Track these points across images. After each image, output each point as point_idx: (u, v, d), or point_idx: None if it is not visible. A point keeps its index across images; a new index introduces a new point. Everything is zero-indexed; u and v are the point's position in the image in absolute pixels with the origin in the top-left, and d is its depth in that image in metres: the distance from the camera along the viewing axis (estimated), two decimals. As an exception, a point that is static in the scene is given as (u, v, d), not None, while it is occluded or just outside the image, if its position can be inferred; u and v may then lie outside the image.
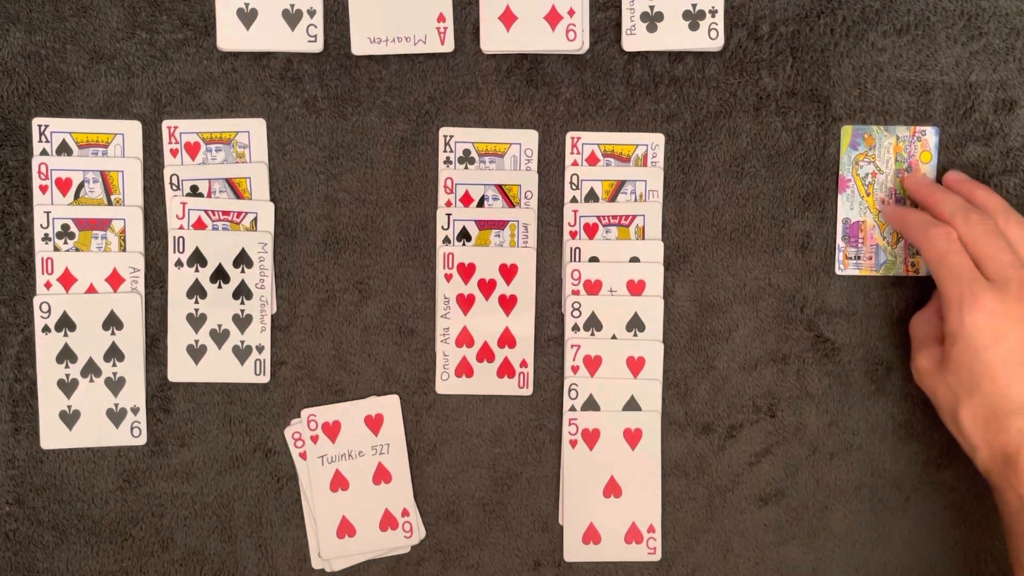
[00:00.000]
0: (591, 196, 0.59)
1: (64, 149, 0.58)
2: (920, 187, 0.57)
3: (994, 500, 0.53)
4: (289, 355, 0.60)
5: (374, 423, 0.59)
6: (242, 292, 0.59)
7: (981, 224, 0.53)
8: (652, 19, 0.58)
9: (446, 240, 0.59)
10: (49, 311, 0.58)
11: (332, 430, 0.59)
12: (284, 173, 0.59)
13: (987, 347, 0.51)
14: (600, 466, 0.59)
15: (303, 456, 0.59)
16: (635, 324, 0.59)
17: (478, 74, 0.59)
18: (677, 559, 0.61)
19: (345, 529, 0.59)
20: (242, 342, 0.59)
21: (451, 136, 0.59)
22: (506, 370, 0.60)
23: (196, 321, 0.59)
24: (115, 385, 0.59)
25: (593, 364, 0.59)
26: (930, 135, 0.58)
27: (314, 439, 0.59)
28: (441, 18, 0.58)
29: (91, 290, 0.59)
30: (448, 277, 0.59)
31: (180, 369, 0.59)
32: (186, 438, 0.60)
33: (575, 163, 0.59)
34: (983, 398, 0.52)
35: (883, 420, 0.60)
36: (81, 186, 0.58)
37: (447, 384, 0.60)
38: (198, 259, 0.59)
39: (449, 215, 0.59)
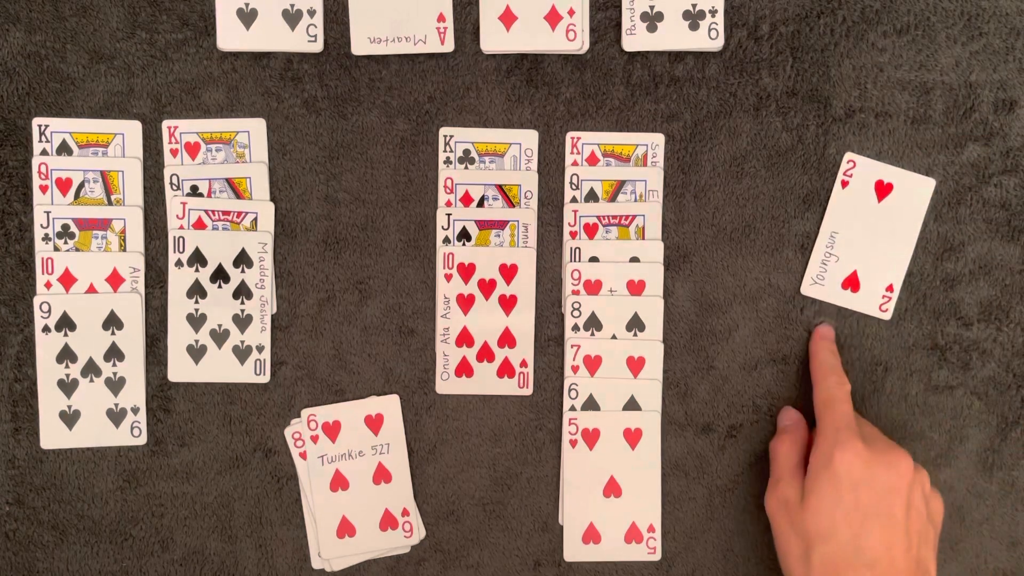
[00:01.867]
0: (591, 196, 0.59)
1: (64, 149, 0.58)
2: (822, 345, 0.59)
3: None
4: (289, 355, 0.60)
5: (374, 423, 0.60)
6: (242, 292, 0.59)
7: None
8: (652, 19, 0.58)
9: (446, 240, 0.59)
10: (49, 311, 0.58)
11: (332, 430, 0.59)
12: (284, 173, 0.59)
13: (850, 489, 0.52)
14: (600, 466, 0.59)
15: (303, 456, 0.59)
16: (635, 324, 0.59)
17: (478, 74, 0.59)
18: (677, 559, 0.61)
19: (345, 529, 0.59)
20: (242, 342, 0.59)
21: (451, 136, 0.59)
22: (506, 370, 0.60)
23: (196, 321, 0.59)
24: (115, 385, 0.59)
25: (593, 364, 0.59)
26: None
27: (314, 439, 0.59)
28: (441, 18, 0.58)
29: (91, 290, 0.59)
30: (448, 277, 0.59)
31: (180, 369, 0.59)
32: (186, 438, 0.60)
33: (575, 163, 0.59)
34: (838, 546, 0.51)
35: (883, 420, 0.60)
36: (81, 186, 0.58)
37: (447, 384, 0.60)
38: (198, 259, 0.59)
39: (449, 215, 0.59)
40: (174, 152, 0.59)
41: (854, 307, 0.59)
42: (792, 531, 0.53)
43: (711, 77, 0.59)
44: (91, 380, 0.59)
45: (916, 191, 0.59)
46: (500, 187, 0.59)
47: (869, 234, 0.59)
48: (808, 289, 0.59)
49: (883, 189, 0.59)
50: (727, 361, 0.60)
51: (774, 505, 0.55)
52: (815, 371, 0.58)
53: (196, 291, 0.59)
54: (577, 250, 0.59)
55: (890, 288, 0.59)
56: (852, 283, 0.59)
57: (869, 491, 0.52)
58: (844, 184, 0.59)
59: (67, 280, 0.58)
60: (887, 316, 0.59)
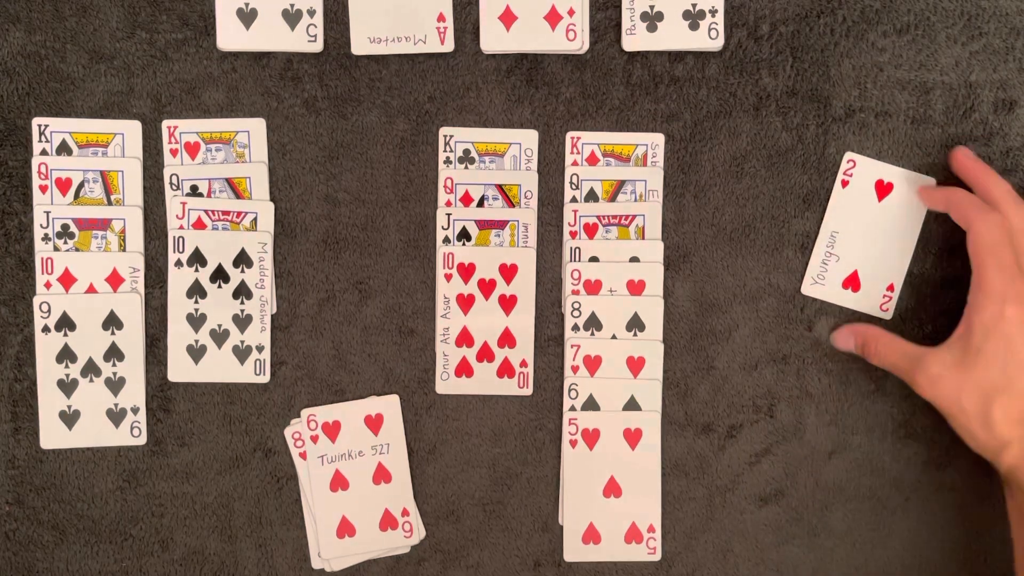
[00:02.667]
0: (591, 196, 0.59)
1: (64, 149, 0.58)
2: (972, 165, 0.56)
3: (1004, 497, 0.53)
4: (289, 355, 0.60)
5: (374, 423, 0.59)
6: (242, 292, 0.59)
7: None
8: (652, 19, 0.58)
9: (446, 240, 0.59)
10: (49, 311, 0.58)
11: (332, 430, 0.59)
12: (284, 173, 0.59)
13: (1022, 349, 0.51)
14: (600, 466, 0.59)
15: (303, 456, 0.59)
16: (635, 324, 0.59)
17: (478, 74, 0.59)
18: (677, 559, 0.61)
19: (345, 529, 0.59)
20: (242, 342, 0.59)
21: (451, 136, 0.59)
22: (506, 370, 0.60)
23: (196, 321, 0.59)
24: (115, 385, 0.59)
25: (593, 364, 0.59)
26: None
27: (314, 439, 0.59)
28: (441, 18, 0.58)
29: (91, 290, 0.59)
30: (448, 277, 0.59)
31: (180, 369, 0.59)
32: (186, 438, 0.60)
33: (575, 163, 0.59)
34: (1021, 393, 0.51)
35: (883, 420, 0.60)
36: (81, 186, 0.58)
37: (447, 384, 0.60)
38: (198, 259, 0.59)
39: (449, 215, 0.59)
40: (174, 152, 0.59)
41: (855, 307, 0.59)
42: (963, 394, 0.52)
43: (711, 77, 0.59)
44: (91, 380, 0.59)
45: (916, 190, 0.59)
46: (500, 187, 0.59)
47: (869, 233, 0.59)
48: (809, 289, 0.59)
49: (883, 189, 0.59)
50: (727, 361, 0.60)
51: (929, 381, 0.53)
52: (959, 212, 0.55)
53: (196, 291, 0.59)
54: (577, 250, 0.59)
55: (891, 287, 0.59)
56: (853, 282, 0.59)
57: None
58: (844, 184, 0.59)
59: (67, 280, 0.58)
60: (888, 315, 0.59)
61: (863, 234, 0.59)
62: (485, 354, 0.59)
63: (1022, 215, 0.53)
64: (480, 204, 0.59)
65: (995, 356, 0.51)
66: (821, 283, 0.59)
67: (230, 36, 0.58)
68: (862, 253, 0.59)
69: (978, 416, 0.52)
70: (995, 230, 0.52)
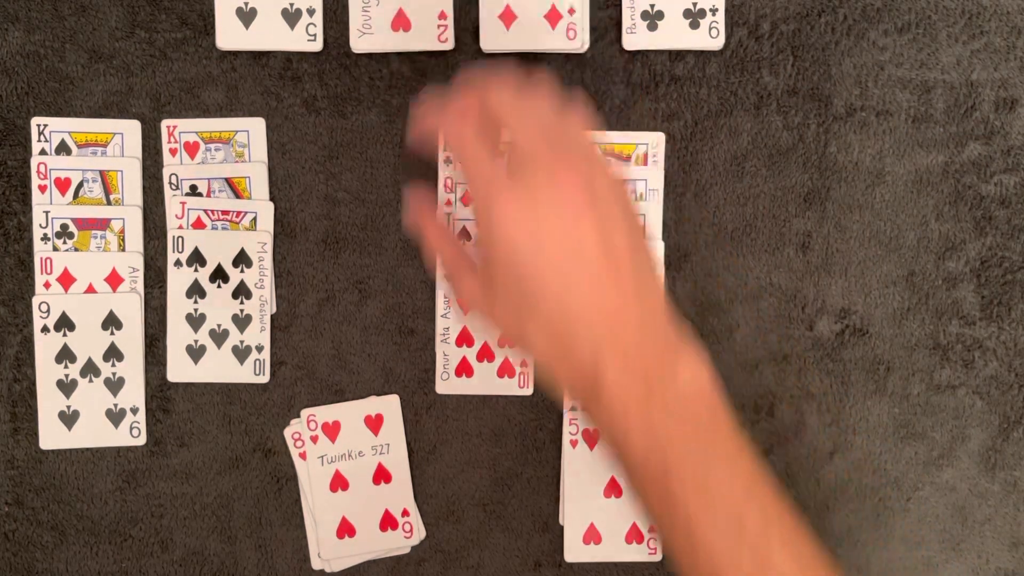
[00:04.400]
0: (591, 195, 0.59)
1: (63, 149, 0.58)
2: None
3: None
4: (289, 355, 0.60)
5: (374, 423, 0.59)
6: (242, 292, 0.59)
7: (506, 91, 0.43)
8: (652, 18, 0.58)
9: (446, 240, 0.59)
10: (48, 311, 0.58)
11: (332, 430, 0.59)
12: (284, 173, 0.59)
13: (528, 257, 0.41)
14: (600, 466, 0.59)
15: (303, 456, 0.59)
16: (635, 324, 0.59)
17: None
18: (677, 559, 0.60)
19: (345, 529, 0.59)
20: (242, 342, 0.59)
21: (451, 135, 0.59)
22: (506, 370, 0.59)
23: (196, 321, 0.59)
24: (114, 385, 0.59)
25: (593, 364, 0.59)
26: None
27: (314, 439, 0.59)
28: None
29: (90, 290, 0.58)
30: (448, 277, 0.59)
31: (180, 369, 0.59)
32: (186, 438, 0.60)
33: (575, 162, 0.59)
34: (545, 318, 0.41)
35: (883, 420, 0.60)
36: (80, 186, 0.58)
37: (447, 384, 0.60)
38: (197, 259, 0.59)
39: (449, 214, 0.59)
40: (173, 152, 0.59)
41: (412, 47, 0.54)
42: (502, 323, 0.43)
43: (711, 76, 0.59)
44: (90, 380, 0.59)
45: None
46: (500, 186, 0.59)
47: None
48: (357, 43, 0.53)
49: None
50: (727, 361, 0.60)
51: (466, 308, 0.46)
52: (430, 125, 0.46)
53: (195, 291, 0.59)
54: (577, 250, 0.59)
55: (442, 15, 0.53)
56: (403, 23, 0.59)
57: (551, 247, 0.41)
58: None
59: (66, 280, 0.58)
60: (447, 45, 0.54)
61: None
62: (485, 354, 0.59)
63: (495, 91, 0.44)
64: (480, 204, 0.59)
65: (507, 281, 0.42)
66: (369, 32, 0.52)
67: (229, 35, 0.58)
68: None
69: (522, 347, 0.44)
70: (456, 124, 0.44)
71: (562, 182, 0.41)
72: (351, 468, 0.59)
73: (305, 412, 0.59)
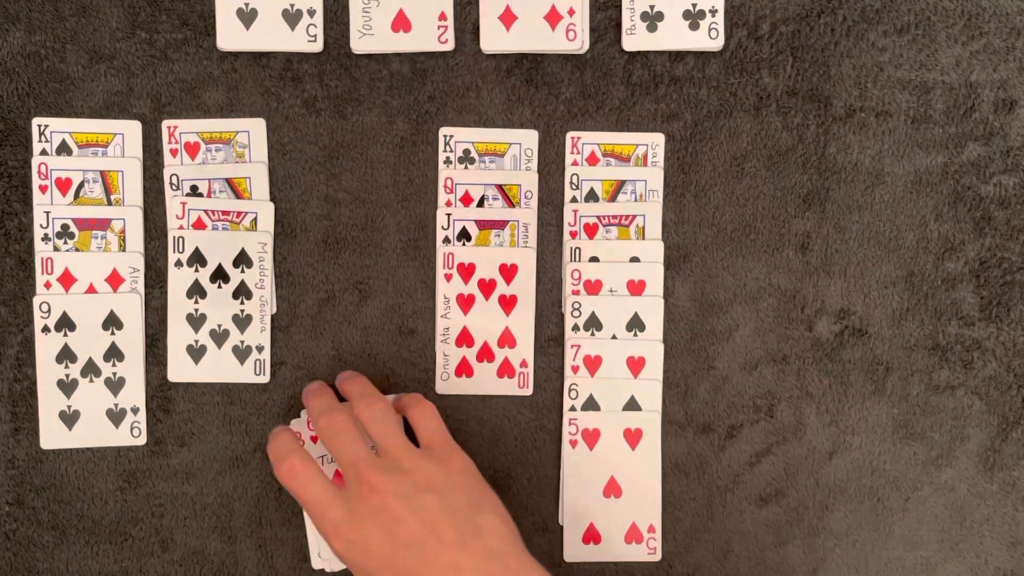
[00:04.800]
0: (591, 196, 0.59)
1: (64, 149, 0.58)
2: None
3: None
4: (289, 355, 0.60)
5: None
6: (242, 292, 0.59)
7: (324, 417, 0.53)
8: (652, 19, 0.58)
9: (446, 240, 0.59)
10: (49, 311, 0.58)
11: None
12: (284, 173, 0.59)
13: (360, 568, 0.50)
14: (600, 466, 0.59)
15: None
16: (635, 324, 0.59)
17: (478, 74, 0.59)
18: (677, 559, 0.61)
19: None
20: (242, 342, 0.59)
21: (451, 136, 0.59)
22: (506, 370, 0.60)
23: (196, 321, 0.59)
24: (115, 385, 0.59)
25: (593, 364, 0.59)
26: None
27: (314, 439, 0.59)
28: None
29: (91, 290, 0.58)
30: (448, 277, 0.59)
31: (180, 369, 0.59)
32: (186, 438, 0.60)
33: (575, 163, 0.59)
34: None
35: (883, 420, 0.60)
36: (81, 186, 0.58)
37: (447, 384, 0.60)
38: (198, 259, 0.59)
39: (449, 215, 0.59)
40: (174, 152, 0.59)
41: (412, 48, 0.59)
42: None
43: (711, 77, 0.59)
44: (91, 380, 0.59)
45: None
46: (500, 187, 0.59)
47: None
48: (357, 44, 0.55)
49: None
50: (727, 361, 0.60)
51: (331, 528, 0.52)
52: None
53: (196, 291, 0.59)
54: (577, 250, 0.59)
55: (443, 16, 0.55)
56: (403, 24, 0.59)
57: (372, 557, 0.49)
58: None
59: (67, 280, 0.58)
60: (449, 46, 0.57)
61: None
62: (485, 354, 0.59)
63: (317, 419, 0.54)
64: (480, 204, 0.59)
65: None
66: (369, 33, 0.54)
67: (230, 36, 0.58)
68: None
69: None
70: (282, 448, 0.53)
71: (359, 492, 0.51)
72: (351, 468, 0.59)
73: (305, 412, 0.59)
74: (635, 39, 0.58)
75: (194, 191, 0.59)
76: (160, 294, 0.59)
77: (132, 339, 0.59)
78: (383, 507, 0.49)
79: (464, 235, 0.59)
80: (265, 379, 0.59)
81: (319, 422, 0.54)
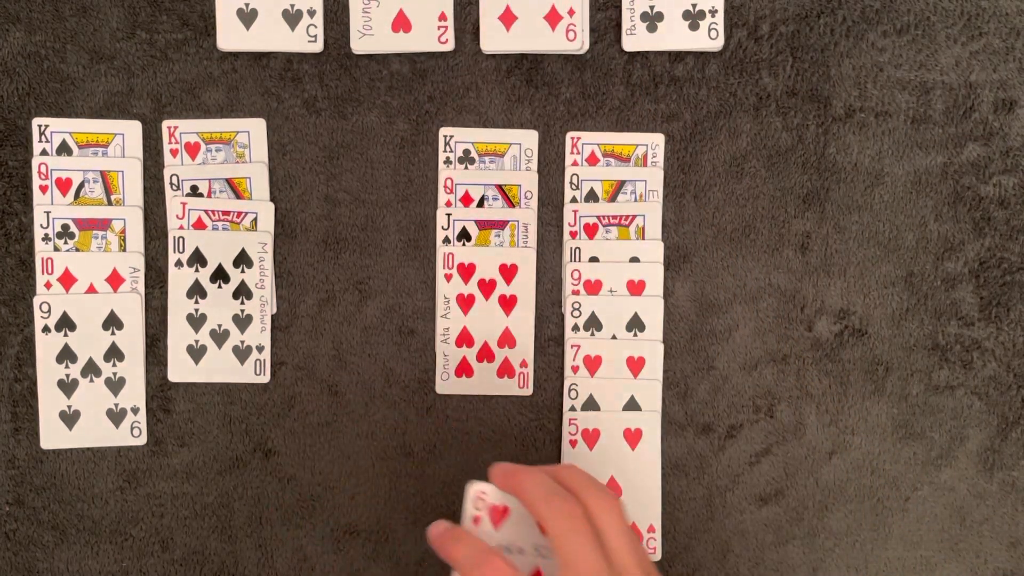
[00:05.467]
0: (591, 196, 0.59)
1: (64, 149, 0.58)
2: (512, 473, 0.47)
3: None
4: (289, 355, 0.60)
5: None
6: (242, 292, 0.59)
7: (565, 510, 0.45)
8: (652, 19, 0.58)
9: (446, 240, 0.59)
10: (49, 311, 0.58)
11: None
12: (284, 173, 0.59)
13: None
14: (600, 466, 0.59)
15: None
16: (635, 324, 0.59)
17: (478, 74, 0.59)
18: (677, 559, 0.61)
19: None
20: (242, 342, 0.59)
21: (451, 136, 0.59)
22: (506, 370, 0.60)
23: (196, 321, 0.59)
24: (115, 385, 0.59)
25: (593, 364, 0.59)
26: None
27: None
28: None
29: (91, 290, 0.59)
30: (448, 277, 0.59)
31: (180, 369, 0.59)
32: (186, 438, 0.60)
33: (575, 163, 0.59)
34: None
35: (882, 420, 0.60)
36: (81, 186, 0.58)
37: (447, 384, 0.60)
38: (198, 259, 0.59)
39: (449, 215, 0.59)
40: (174, 152, 0.59)
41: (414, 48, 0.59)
42: None
43: (711, 77, 0.59)
44: (91, 380, 0.59)
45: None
46: (500, 187, 0.59)
47: None
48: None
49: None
50: (727, 361, 0.60)
51: None
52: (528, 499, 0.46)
53: (196, 291, 0.59)
54: (577, 250, 0.59)
55: (442, 16, 0.52)
56: (403, 24, 0.59)
57: None
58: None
59: (67, 280, 0.58)
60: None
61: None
62: (485, 354, 0.59)
63: (552, 509, 0.45)
64: (480, 204, 0.59)
65: None
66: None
67: (230, 36, 0.58)
68: None
69: None
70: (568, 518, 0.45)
71: None
72: (351, 468, 0.59)
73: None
74: (635, 39, 0.58)
75: (194, 191, 0.59)
76: (160, 294, 0.59)
77: (132, 339, 0.59)
78: None
79: (464, 235, 0.59)
80: (265, 379, 0.59)
81: (552, 503, 0.45)
